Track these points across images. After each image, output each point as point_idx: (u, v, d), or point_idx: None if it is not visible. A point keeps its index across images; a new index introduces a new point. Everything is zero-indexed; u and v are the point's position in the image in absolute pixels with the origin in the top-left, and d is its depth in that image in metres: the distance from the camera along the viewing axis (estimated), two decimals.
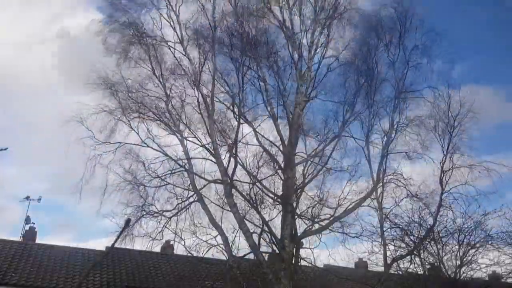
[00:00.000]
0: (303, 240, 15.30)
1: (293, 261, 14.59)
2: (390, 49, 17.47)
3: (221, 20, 16.36)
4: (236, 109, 15.78)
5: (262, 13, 16.51)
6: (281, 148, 15.80)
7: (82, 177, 15.14)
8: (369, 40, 17.39)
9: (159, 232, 15.45)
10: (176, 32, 16.52)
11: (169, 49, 16.37)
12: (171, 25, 16.54)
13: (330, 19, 16.67)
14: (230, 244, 14.80)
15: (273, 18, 16.55)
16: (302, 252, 15.22)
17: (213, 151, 15.54)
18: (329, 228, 15.59)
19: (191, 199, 15.68)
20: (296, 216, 15.21)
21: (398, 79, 17.22)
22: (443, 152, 16.68)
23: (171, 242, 18.58)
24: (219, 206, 15.51)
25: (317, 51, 16.49)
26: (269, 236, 14.93)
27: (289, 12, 16.64)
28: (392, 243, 16.34)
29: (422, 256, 16.33)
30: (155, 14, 16.57)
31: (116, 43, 16.13)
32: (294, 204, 15.22)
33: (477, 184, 16.13)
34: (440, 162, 16.60)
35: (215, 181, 15.63)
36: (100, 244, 28.24)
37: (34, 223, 20.34)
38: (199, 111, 16.03)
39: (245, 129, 16.13)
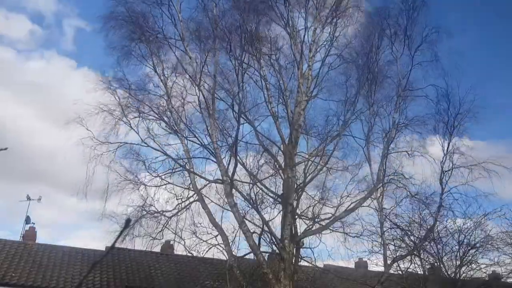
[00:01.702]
0: (304, 240, 15.30)
1: (293, 261, 14.55)
2: (395, 44, 17.32)
3: (222, 17, 16.30)
4: (236, 108, 15.76)
5: (264, 10, 16.38)
6: (281, 147, 15.77)
7: (86, 178, 15.13)
8: (373, 37, 17.17)
9: (159, 232, 15.44)
10: (177, 30, 16.47)
11: (170, 47, 16.31)
12: (172, 22, 16.45)
13: (333, 17, 16.56)
14: (230, 244, 14.79)
15: (275, 16, 16.45)
16: (302, 252, 15.25)
17: (213, 151, 15.52)
18: (330, 228, 15.57)
19: (191, 199, 15.67)
20: (296, 216, 15.19)
21: (401, 76, 17.11)
22: (443, 152, 16.68)
23: (171, 242, 18.54)
24: (219, 206, 15.54)
25: (318, 50, 16.42)
26: (269, 236, 14.91)
27: (292, 10, 16.51)
28: (392, 243, 16.37)
29: (422, 256, 16.35)
30: (157, 11, 16.47)
31: (118, 39, 16.10)
32: (295, 204, 15.19)
33: (477, 185, 16.12)
34: (440, 162, 16.60)
35: (215, 181, 15.61)
36: None
37: (34, 223, 20.31)
38: (199, 111, 16.02)
39: (246, 128, 16.12)
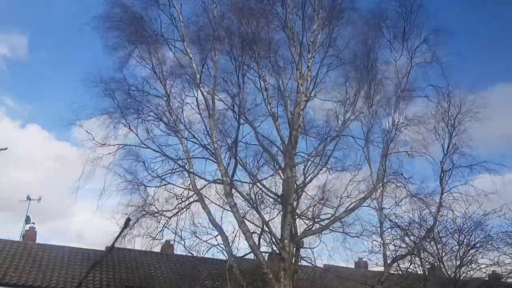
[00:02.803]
0: (303, 240, 15.30)
1: (293, 261, 14.56)
2: (393, 45, 17.28)
3: (222, 19, 16.28)
4: (236, 109, 15.75)
5: (263, 12, 16.37)
6: (281, 147, 15.77)
7: (79, 178, 15.16)
8: (371, 38, 17.09)
9: (159, 232, 15.47)
10: (178, 30, 16.40)
11: (169, 48, 16.28)
12: (172, 23, 16.37)
13: (331, 18, 16.53)
14: (230, 244, 14.80)
15: (274, 17, 16.42)
16: (302, 252, 15.26)
17: (213, 151, 15.52)
18: (329, 228, 15.58)
19: (191, 199, 15.67)
20: (296, 216, 15.19)
21: (400, 77, 17.06)
22: (443, 152, 16.67)
23: (171, 242, 18.56)
24: (219, 206, 15.54)
25: (317, 50, 16.39)
26: (269, 236, 14.93)
27: (290, 11, 16.50)
28: (392, 243, 16.38)
29: (422, 256, 16.36)
30: (157, 12, 16.39)
31: (116, 41, 16.05)
32: (294, 204, 15.19)
33: (477, 184, 16.10)
34: (440, 162, 16.59)
35: (215, 181, 15.61)
36: None
37: (34, 223, 20.33)
38: (199, 111, 16.02)
39: (245, 128, 16.13)
